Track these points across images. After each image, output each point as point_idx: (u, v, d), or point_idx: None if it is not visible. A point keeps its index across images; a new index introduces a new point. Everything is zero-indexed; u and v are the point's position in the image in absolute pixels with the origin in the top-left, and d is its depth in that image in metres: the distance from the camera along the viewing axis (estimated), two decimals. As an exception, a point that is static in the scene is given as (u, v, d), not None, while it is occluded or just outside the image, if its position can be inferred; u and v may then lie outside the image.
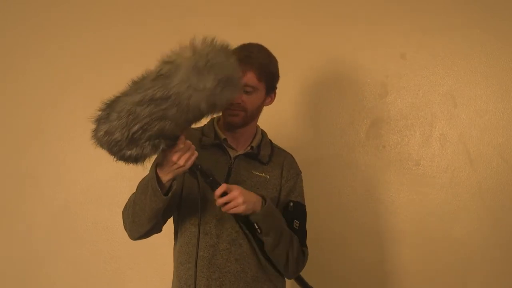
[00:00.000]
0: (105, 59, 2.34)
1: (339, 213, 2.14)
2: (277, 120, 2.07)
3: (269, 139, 1.65)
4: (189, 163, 1.33)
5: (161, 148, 1.26)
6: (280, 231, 1.46)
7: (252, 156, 1.56)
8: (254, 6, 2.25)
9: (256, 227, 1.43)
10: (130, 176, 2.22)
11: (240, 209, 1.38)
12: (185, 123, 1.27)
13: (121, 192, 2.27)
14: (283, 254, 1.48)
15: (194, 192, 1.46)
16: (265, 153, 1.59)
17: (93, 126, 1.26)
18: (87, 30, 2.38)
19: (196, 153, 1.35)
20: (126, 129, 1.20)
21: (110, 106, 1.24)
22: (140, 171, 1.58)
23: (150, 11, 2.34)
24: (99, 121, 1.25)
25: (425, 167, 2.10)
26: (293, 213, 1.55)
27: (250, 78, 1.47)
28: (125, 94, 1.24)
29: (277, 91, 1.60)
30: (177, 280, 1.52)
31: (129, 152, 1.24)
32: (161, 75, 1.23)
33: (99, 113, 1.25)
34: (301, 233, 1.56)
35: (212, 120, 1.59)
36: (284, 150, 1.67)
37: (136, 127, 1.20)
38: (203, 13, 2.29)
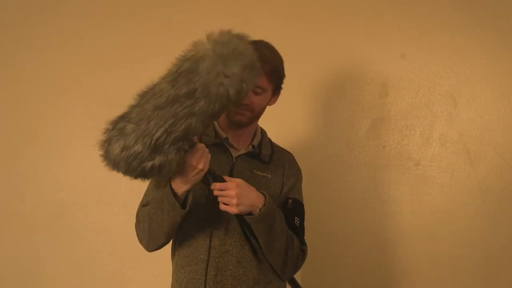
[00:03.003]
0: (104, 59, 2.34)
1: (339, 213, 2.14)
2: (277, 120, 2.07)
3: (269, 138, 1.65)
4: (207, 165, 1.33)
5: (184, 150, 1.24)
6: (278, 231, 1.43)
7: (254, 156, 1.55)
8: (255, 6, 2.25)
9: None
10: (130, 177, 2.25)
11: (233, 210, 1.36)
12: (209, 119, 1.27)
13: (121, 192, 2.28)
14: (280, 254, 1.45)
15: (196, 193, 1.45)
16: (267, 152, 1.58)
17: (101, 151, 1.22)
18: (86, 31, 2.38)
19: (209, 155, 1.34)
20: (148, 137, 1.17)
21: (123, 119, 1.21)
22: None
23: (150, 11, 2.34)
24: (110, 140, 1.21)
25: (425, 167, 2.10)
26: (293, 210, 1.54)
27: (262, 79, 1.44)
28: (137, 105, 1.22)
29: (277, 91, 1.60)
30: (177, 284, 1.50)
31: (150, 163, 1.20)
32: (181, 73, 1.22)
33: (107, 134, 1.21)
34: (301, 231, 1.55)
35: None
36: (284, 149, 1.67)
37: (159, 132, 1.18)
38: (203, 13, 2.29)
